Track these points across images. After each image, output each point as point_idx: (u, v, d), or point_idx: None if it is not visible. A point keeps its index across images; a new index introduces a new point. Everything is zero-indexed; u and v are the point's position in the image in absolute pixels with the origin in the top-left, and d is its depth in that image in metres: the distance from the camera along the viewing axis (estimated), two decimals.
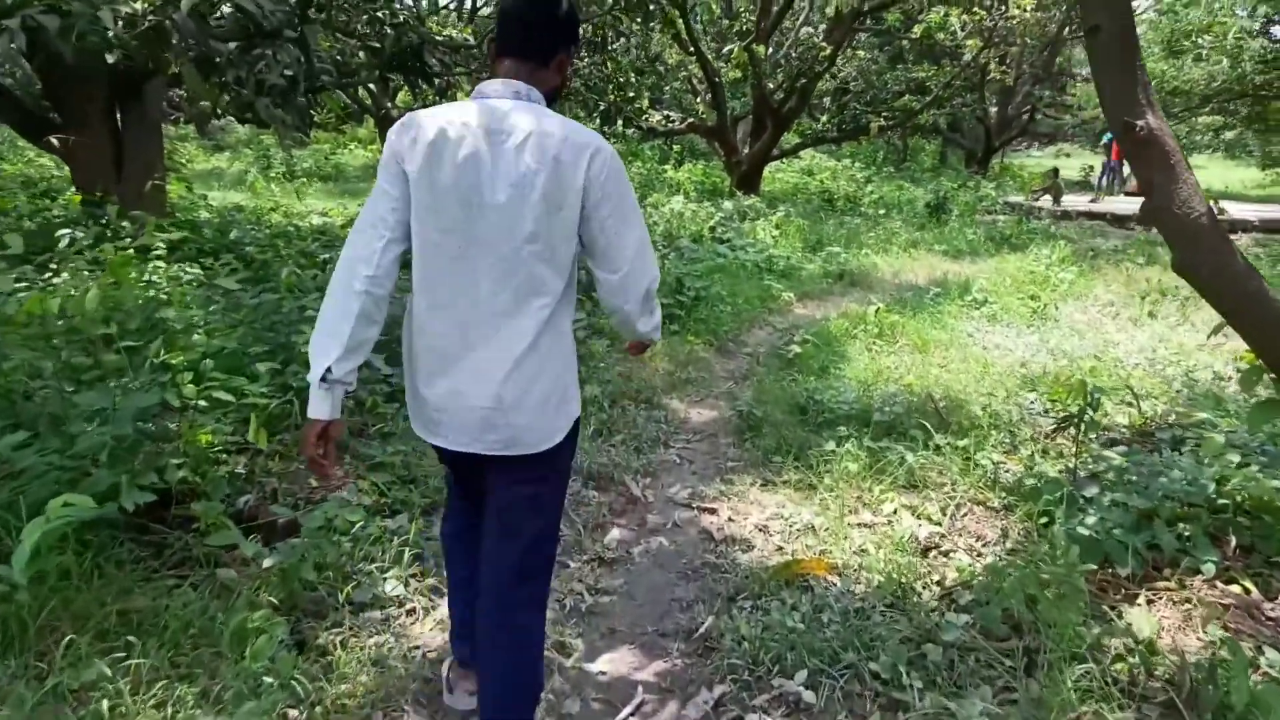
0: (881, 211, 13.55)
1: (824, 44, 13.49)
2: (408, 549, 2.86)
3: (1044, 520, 3.20)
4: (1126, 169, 16.66)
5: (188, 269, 4.76)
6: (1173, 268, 2.67)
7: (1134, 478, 3.28)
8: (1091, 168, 18.70)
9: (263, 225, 8.48)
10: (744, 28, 13.56)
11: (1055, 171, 14.68)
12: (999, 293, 7.55)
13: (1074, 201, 13.93)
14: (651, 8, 12.23)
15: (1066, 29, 23.02)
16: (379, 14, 6.13)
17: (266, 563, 2.55)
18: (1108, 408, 4.58)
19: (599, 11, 10.04)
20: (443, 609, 2.58)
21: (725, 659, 2.46)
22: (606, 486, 3.72)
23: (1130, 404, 4.68)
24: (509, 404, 1.73)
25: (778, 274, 8.26)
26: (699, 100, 16.36)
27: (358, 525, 2.88)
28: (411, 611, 2.65)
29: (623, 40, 13.60)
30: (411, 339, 1.83)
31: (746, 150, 15.06)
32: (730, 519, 3.48)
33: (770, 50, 13.94)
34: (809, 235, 10.68)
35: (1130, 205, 13.94)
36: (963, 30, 15.64)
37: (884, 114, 15.33)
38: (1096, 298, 7.88)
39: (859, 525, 3.32)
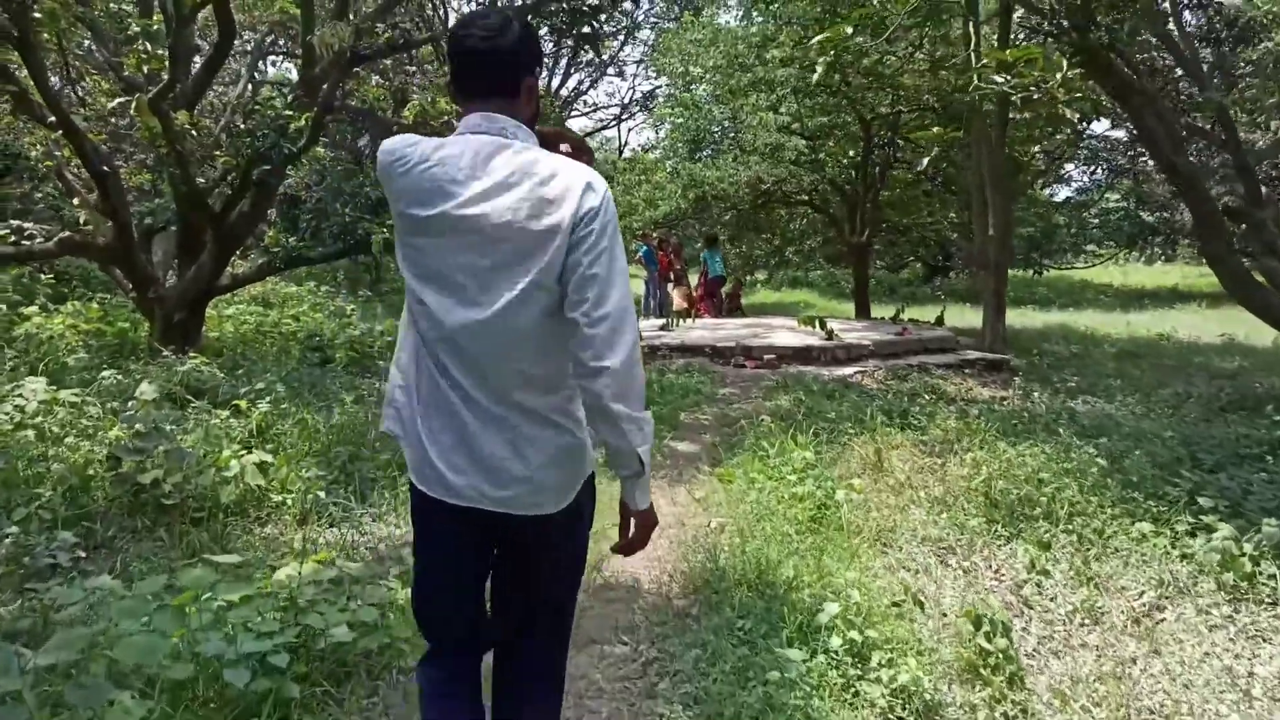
0: None
1: (293, 111, 8.46)
2: None
3: None
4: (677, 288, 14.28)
5: None
6: None
7: None
8: None
9: None
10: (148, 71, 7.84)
11: None
12: (839, 589, 3.31)
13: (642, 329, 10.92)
14: None
15: None
16: None
17: None
18: None
19: None
20: None
21: None
22: None
23: None
24: (528, 467, 1.63)
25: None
26: (79, 204, 9.91)
27: None
28: None
29: None
30: (411, 392, 1.72)
31: (173, 279, 9.15)
32: None
33: (200, 117, 8.46)
34: (327, 437, 5.46)
35: (715, 334, 11.16)
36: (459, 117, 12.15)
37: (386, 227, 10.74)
38: (958, 549, 4.12)
39: None
